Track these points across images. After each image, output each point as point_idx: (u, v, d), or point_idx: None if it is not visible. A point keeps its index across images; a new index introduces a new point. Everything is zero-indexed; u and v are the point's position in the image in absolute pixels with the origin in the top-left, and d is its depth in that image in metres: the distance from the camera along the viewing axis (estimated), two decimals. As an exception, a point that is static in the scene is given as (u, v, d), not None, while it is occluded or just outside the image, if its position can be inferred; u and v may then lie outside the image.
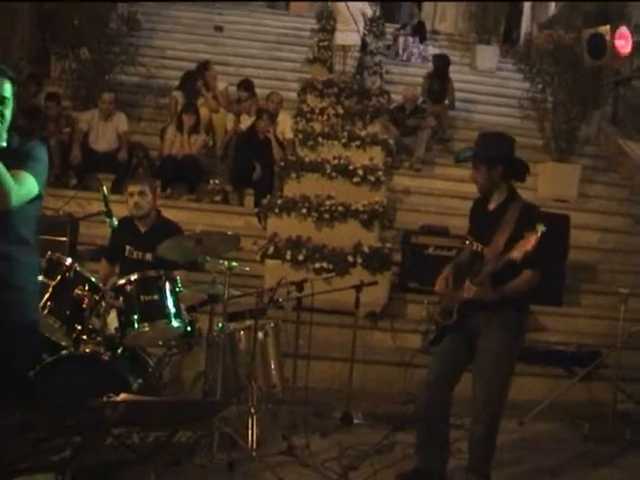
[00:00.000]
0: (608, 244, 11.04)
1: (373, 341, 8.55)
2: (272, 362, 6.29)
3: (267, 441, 6.03)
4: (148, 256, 6.18)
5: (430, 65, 13.94)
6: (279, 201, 9.43)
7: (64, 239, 8.31)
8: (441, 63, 13.28)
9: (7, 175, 3.70)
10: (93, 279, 5.49)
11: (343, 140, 10.61)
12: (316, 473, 5.59)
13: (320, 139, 10.62)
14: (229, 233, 6.28)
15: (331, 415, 6.88)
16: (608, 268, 10.34)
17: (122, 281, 5.55)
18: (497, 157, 5.24)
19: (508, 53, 15.97)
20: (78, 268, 5.42)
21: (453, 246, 8.85)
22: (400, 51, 15.83)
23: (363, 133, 10.87)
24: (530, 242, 4.85)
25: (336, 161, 9.95)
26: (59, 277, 5.36)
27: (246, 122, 11.36)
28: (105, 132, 11.09)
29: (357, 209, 9.29)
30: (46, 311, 5.30)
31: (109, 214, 5.67)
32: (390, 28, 16.22)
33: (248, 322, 6.24)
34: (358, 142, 10.61)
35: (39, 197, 4.01)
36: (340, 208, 9.27)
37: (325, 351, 7.65)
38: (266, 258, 9.01)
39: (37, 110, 11.27)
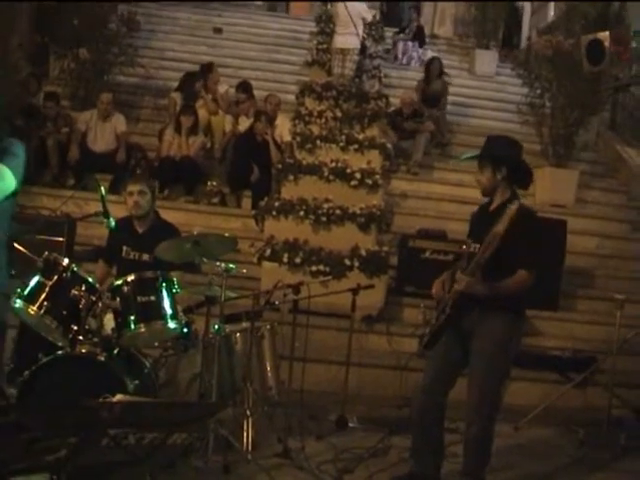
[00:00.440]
0: (605, 250, 11.05)
1: (369, 344, 8.55)
2: (268, 364, 6.30)
3: (262, 444, 6.04)
4: (145, 257, 6.19)
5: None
6: (276, 203, 9.43)
7: (61, 239, 8.30)
8: (433, 67, 13.29)
9: None
10: (90, 279, 5.48)
11: (341, 143, 10.61)
12: (311, 476, 5.60)
13: (318, 142, 10.62)
14: (226, 235, 6.28)
15: (326, 418, 6.88)
16: (605, 274, 10.35)
17: (119, 282, 5.55)
18: (503, 158, 5.26)
19: (507, 58, 15.98)
20: (75, 268, 5.41)
21: (450, 250, 8.86)
22: (399, 55, 15.86)
23: (361, 136, 10.87)
24: (512, 209, 4.88)
25: (334, 164, 9.95)
26: (56, 277, 5.36)
27: (244, 124, 11.37)
28: (103, 132, 11.09)
29: (354, 212, 9.29)
30: (43, 311, 5.30)
31: (107, 215, 5.67)
32: (389, 32, 16.23)
33: (244, 324, 6.25)
34: (356, 145, 10.61)
35: (14, 193, 4.01)
36: (337, 211, 9.27)
37: (321, 354, 7.64)
38: (263, 260, 9.00)
39: (36, 110, 11.27)
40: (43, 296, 5.32)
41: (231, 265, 5.78)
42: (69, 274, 5.39)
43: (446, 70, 13.66)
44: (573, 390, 7.67)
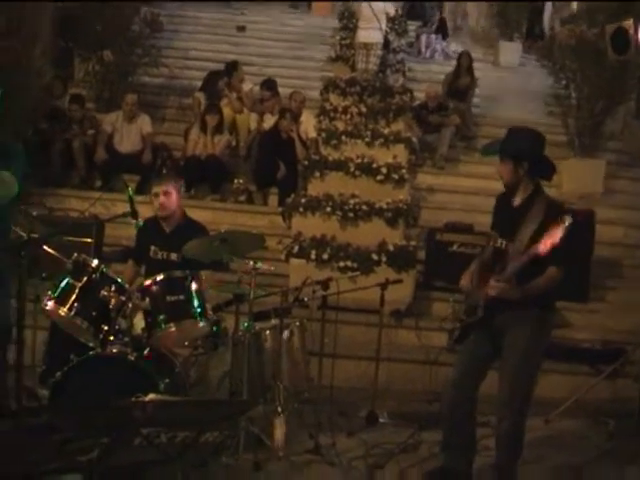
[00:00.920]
0: (633, 239, 10.95)
1: (398, 339, 8.53)
2: (298, 361, 6.29)
3: (293, 440, 6.04)
4: (173, 256, 6.21)
5: (453, 62, 13.90)
6: (303, 200, 9.43)
7: (90, 240, 8.35)
8: (463, 61, 13.25)
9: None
10: (119, 280, 5.52)
11: (366, 138, 10.61)
12: (342, 472, 5.61)
13: (343, 138, 10.63)
14: (254, 232, 6.30)
15: (356, 414, 6.88)
16: (632, 263, 10.27)
17: (148, 282, 5.57)
18: (524, 153, 5.22)
19: (531, 49, 15.89)
20: (104, 269, 5.45)
21: (478, 243, 8.79)
22: (423, 49, 15.80)
23: (386, 131, 10.87)
24: (556, 235, 4.84)
25: (360, 159, 9.96)
26: (85, 278, 5.40)
27: (269, 121, 11.37)
28: (129, 133, 11.14)
29: (381, 207, 9.27)
30: (73, 312, 5.34)
31: (135, 215, 5.69)
32: (412, 26, 16.17)
33: (273, 321, 6.26)
34: (381, 140, 10.60)
35: (18, 195, 4.01)
36: (364, 207, 9.26)
37: (350, 350, 7.64)
38: (291, 257, 9.01)
39: (61, 112, 11.35)
40: (73, 297, 5.36)
41: (259, 263, 5.79)
42: (98, 275, 5.43)
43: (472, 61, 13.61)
44: (603, 382, 7.60)
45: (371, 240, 9.04)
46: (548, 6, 17.02)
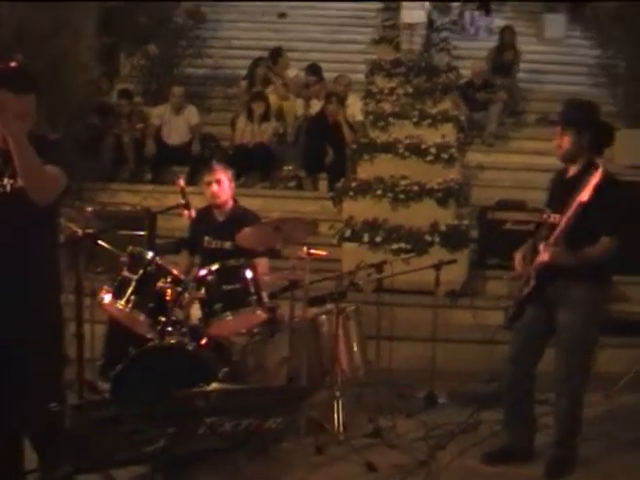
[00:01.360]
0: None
1: (454, 320, 8.49)
2: (355, 345, 6.29)
3: (353, 424, 6.04)
4: (227, 245, 6.24)
5: (497, 38, 13.76)
6: (353, 184, 9.43)
7: (143, 233, 8.42)
8: (505, 35, 13.11)
9: (46, 172, 3.74)
10: (175, 271, 5.55)
11: (414, 119, 10.53)
12: (403, 454, 5.58)
13: (391, 119, 10.56)
14: (306, 218, 6.30)
15: (415, 396, 6.86)
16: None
17: (203, 272, 5.60)
18: (586, 122, 5.18)
19: (576, 20, 15.66)
20: (159, 261, 5.48)
21: (531, 220, 8.69)
22: (466, 26, 15.63)
23: (434, 111, 10.78)
24: (596, 176, 4.81)
25: (408, 140, 9.91)
26: (141, 271, 5.43)
27: (316, 107, 11.36)
28: (177, 125, 11.22)
29: (432, 188, 9.23)
30: (130, 305, 5.38)
31: (187, 206, 5.73)
32: (455, 3, 16.01)
33: (329, 306, 6.27)
34: (429, 120, 10.52)
35: (65, 191, 4.02)
36: (415, 187, 9.22)
37: (406, 332, 7.62)
38: (343, 241, 9.02)
39: (110, 108, 11.46)
40: (130, 290, 5.40)
41: (313, 248, 5.80)
42: (154, 267, 5.46)
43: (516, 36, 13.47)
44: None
45: (423, 221, 9.01)
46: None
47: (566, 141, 5.19)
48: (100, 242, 6.31)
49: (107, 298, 5.45)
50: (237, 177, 10.47)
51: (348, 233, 9.02)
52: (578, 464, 5.32)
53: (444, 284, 7.21)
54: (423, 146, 9.81)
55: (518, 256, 5.44)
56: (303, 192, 10.93)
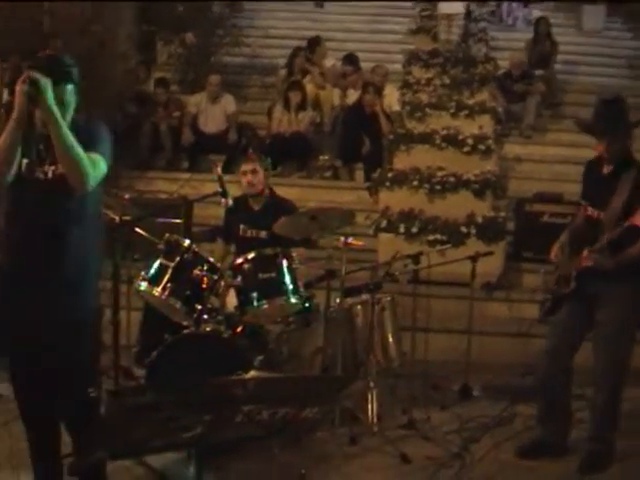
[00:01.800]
0: None
1: (489, 312, 8.46)
2: (390, 336, 6.29)
3: (387, 415, 6.06)
4: (263, 234, 6.24)
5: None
6: (390, 174, 9.41)
7: (179, 221, 8.45)
8: (540, 27, 13.00)
9: (86, 158, 3.73)
10: (211, 259, 5.55)
11: (451, 110, 10.47)
12: (437, 446, 5.59)
13: (428, 110, 10.51)
14: (343, 208, 6.29)
15: (450, 388, 6.86)
16: None
17: (240, 260, 5.60)
18: (616, 127, 5.13)
19: (615, 12, 15.47)
20: (196, 249, 5.49)
21: (568, 213, 8.61)
22: (504, 16, 15.51)
23: (471, 102, 10.72)
24: (632, 176, 4.79)
25: (445, 131, 9.86)
26: (178, 259, 5.43)
27: (352, 97, 11.32)
28: (214, 114, 11.23)
29: (469, 179, 9.19)
30: (167, 292, 5.38)
31: (224, 194, 5.73)
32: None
33: (364, 296, 6.26)
34: (466, 111, 10.45)
35: (105, 178, 4.02)
36: (451, 179, 9.19)
37: (442, 323, 7.59)
38: (379, 232, 9.01)
39: (147, 96, 11.51)
40: (166, 278, 5.40)
41: (351, 238, 5.79)
42: (190, 255, 5.46)
43: (553, 27, 13.33)
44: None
45: (459, 212, 8.98)
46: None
47: (602, 147, 5.16)
48: (137, 229, 6.35)
49: (143, 285, 5.47)
50: (274, 166, 10.49)
51: (384, 224, 9.01)
52: (615, 459, 5.28)
53: (480, 276, 7.17)
54: (460, 137, 9.77)
55: (555, 247, 5.41)
56: (339, 182, 10.91)
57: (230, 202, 5.77)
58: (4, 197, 3.95)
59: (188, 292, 5.42)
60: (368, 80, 11.26)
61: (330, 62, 12.13)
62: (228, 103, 11.30)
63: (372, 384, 5.88)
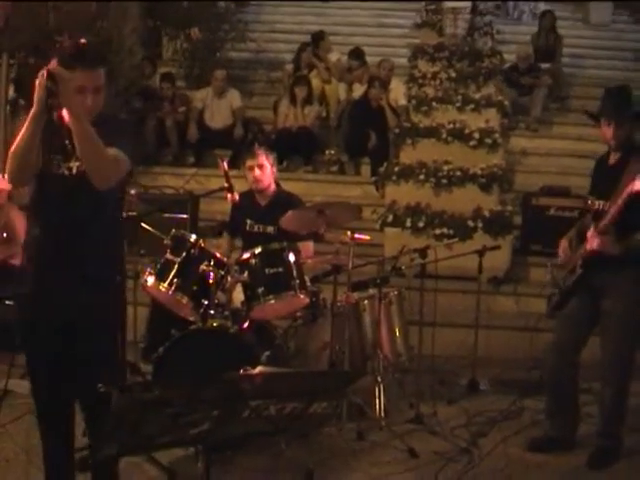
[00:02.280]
0: None
1: (496, 306, 8.46)
2: (397, 331, 6.29)
3: (394, 410, 6.06)
4: (269, 229, 6.24)
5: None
6: (396, 168, 9.41)
7: (185, 216, 8.44)
8: (545, 20, 12.97)
9: (107, 154, 3.69)
10: (218, 254, 5.54)
11: (457, 104, 10.47)
12: (445, 441, 5.58)
13: (434, 104, 10.52)
14: (350, 203, 6.28)
15: (457, 382, 6.87)
16: None
17: (246, 255, 5.59)
18: (624, 113, 5.12)
19: (622, 5, 15.41)
20: (202, 244, 5.48)
21: (575, 206, 8.63)
22: (510, 10, 15.47)
23: (477, 96, 10.71)
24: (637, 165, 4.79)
25: (451, 125, 9.87)
26: (184, 254, 5.42)
27: (358, 91, 11.32)
28: (220, 109, 11.23)
29: (475, 173, 9.18)
30: (173, 288, 5.37)
31: (230, 189, 5.72)
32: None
33: (371, 291, 6.25)
34: (472, 105, 10.46)
35: (129, 174, 3.99)
36: (458, 173, 9.19)
37: (449, 318, 7.58)
38: (385, 226, 9.01)
39: (152, 91, 11.50)
40: (173, 273, 5.39)
41: (357, 234, 5.78)
42: (197, 250, 5.44)
43: (560, 21, 13.30)
44: None
45: (466, 206, 8.98)
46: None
47: (608, 133, 5.13)
48: (143, 225, 6.33)
49: (150, 280, 5.46)
50: (280, 161, 10.49)
51: (390, 218, 9.01)
52: (623, 454, 5.27)
53: (487, 270, 7.17)
54: (466, 131, 9.77)
55: (564, 243, 5.41)
56: (345, 176, 10.91)
57: (236, 197, 5.77)
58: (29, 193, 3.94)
59: (195, 287, 5.41)
60: (374, 74, 11.25)
61: (335, 56, 12.10)
62: (234, 98, 11.30)
63: (379, 379, 5.88)
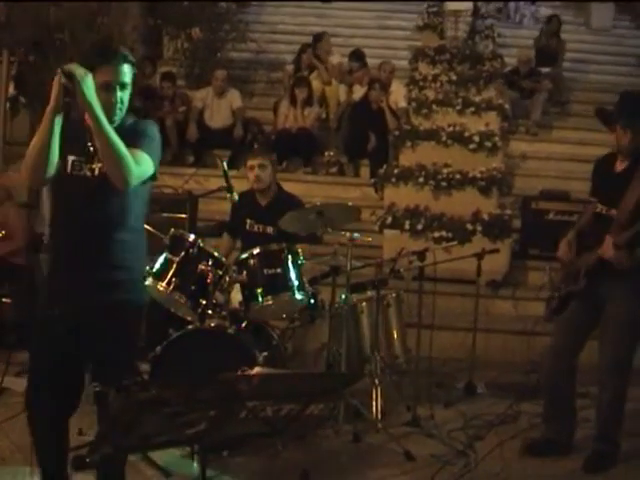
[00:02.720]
0: None
1: (495, 310, 8.47)
2: (395, 333, 6.30)
3: (391, 412, 6.06)
4: (269, 229, 6.22)
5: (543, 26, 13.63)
6: (395, 171, 9.42)
7: (184, 216, 8.43)
8: (551, 25, 12.97)
9: (128, 155, 3.65)
10: (216, 254, 5.52)
11: (457, 107, 10.49)
12: (441, 444, 5.57)
13: (434, 107, 10.54)
14: (349, 204, 6.27)
15: (454, 385, 6.87)
16: None
17: (245, 255, 5.57)
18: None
19: (624, 10, 15.43)
20: (201, 244, 5.46)
21: (574, 211, 8.62)
22: (511, 13, 15.47)
23: (477, 99, 10.73)
24: None
25: (451, 128, 9.88)
26: (183, 253, 5.39)
27: (359, 93, 11.31)
28: (220, 109, 11.22)
29: (475, 176, 9.19)
30: (171, 287, 5.35)
31: (230, 189, 5.71)
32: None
33: (370, 293, 6.24)
34: (473, 108, 10.47)
35: (153, 177, 3.92)
36: (457, 176, 9.19)
37: (447, 321, 7.59)
38: (384, 228, 9.00)
39: (153, 91, 11.49)
40: (171, 272, 5.36)
41: (356, 234, 5.77)
42: (196, 250, 5.41)
43: (562, 25, 13.31)
44: None
45: (465, 209, 8.98)
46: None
47: (623, 138, 5.09)
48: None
49: (148, 280, 5.44)
50: (279, 162, 10.51)
51: (389, 220, 9.01)
52: (619, 459, 5.26)
53: (485, 274, 7.17)
54: (466, 134, 9.77)
55: (564, 246, 5.36)
56: (345, 178, 10.91)
57: (235, 197, 5.76)
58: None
59: (193, 287, 5.38)
60: (374, 76, 11.25)
61: (337, 59, 12.09)
62: (234, 98, 11.29)
63: (377, 381, 5.88)
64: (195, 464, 4.82)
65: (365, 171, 10.81)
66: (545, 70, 12.32)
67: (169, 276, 5.37)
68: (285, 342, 5.92)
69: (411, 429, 5.81)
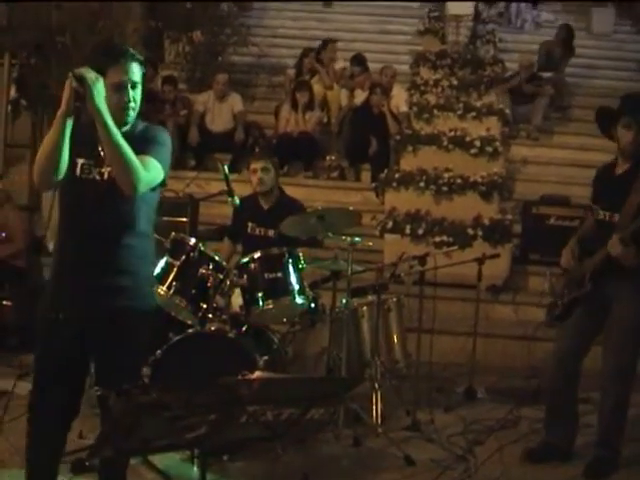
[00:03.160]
0: None
1: (495, 314, 8.46)
2: (395, 337, 6.30)
3: (391, 417, 6.06)
4: (271, 233, 6.21)
5: (544, 31, 13.61)
6: (396, 175, 9.43)
7: (185, 220, 8.42)
8: (567, 34, 12.96)
9: (136, 161, 3.63)
10: (217, 258, 5.52)
11: (459, 111, 10.49)
12: (441, 448, 5.56)
13: (435, 111, 10.54)
14: (350, 209, 6.28)
15: (454, 390, 6.86)
16: None
17: (246, 259, 5.57)
18: None
19: (625, 15, 15.43)
20: (202, 248, 5.46)
21: (575, 216, 8.65)
22: (513, 18, 15.47)
23: (479, 104, 10.74)
24: None
25: (452, 133, 9.89)
26: (184, 257, 5.40)
27: (360, 97, 11.31)
28: (221, 113, 11.22)
29: (475, 181, 9.19)
30: (172, 291, 5.35)
31: (231, 193, 5.71)
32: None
33: (370, 297, 6.24)
34: (474, 113, 10.48)
35: (162, 184, 3.90)
36: (458, 180, 9.20)
37: (447, 325, 7.58)
38: (385, 233, 9.01)
39: (154, 94, 11.48)
40: (172, 276, 5.37)
41: (357, 238, 5.76)
42: (196, 253, 5.42)
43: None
44: None
45: (466, 214, 8.98)
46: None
47: (628, 137, 5.05)
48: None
49: (151, 284, 5.44)
50: (280, 166, 10.47)
51: (390, 224, 9.02)
52: (620, 464, 5.25)
53: (486, 278, 7.16)
54: (467, 139, 9.79)
55: (567, 254, 5.34)
56: (346, 182, 10.91)
57: (236, 201, 5.76)
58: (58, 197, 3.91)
59: (193, 291, 5.39)
60: (376, 81, 11.26)
61: (340, 64, 12.09)
62: (235, 102, 11.29)
63: (377, 385, 5.87)
64: (195, 468, 4.82)
65: (366, 175, 10.81)
66: (547, 75, 12.32)
67: (170, 280, 5.38)
68: (285, 346, 5.92)
69: (411, 434, 5.81)
